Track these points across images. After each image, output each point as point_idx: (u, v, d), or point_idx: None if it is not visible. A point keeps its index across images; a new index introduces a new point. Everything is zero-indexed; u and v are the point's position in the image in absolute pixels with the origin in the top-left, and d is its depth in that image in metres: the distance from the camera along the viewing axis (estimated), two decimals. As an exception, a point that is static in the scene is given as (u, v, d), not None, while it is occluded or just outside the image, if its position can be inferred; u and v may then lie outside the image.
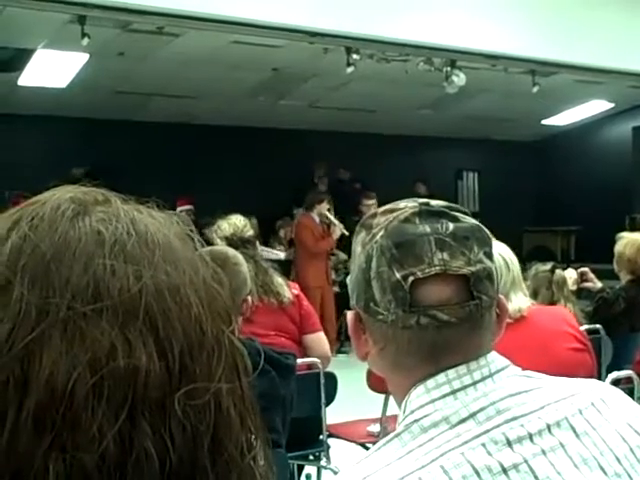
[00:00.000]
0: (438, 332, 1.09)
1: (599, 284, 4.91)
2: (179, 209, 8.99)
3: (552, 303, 4.03)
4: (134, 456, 0.52)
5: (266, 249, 8.29)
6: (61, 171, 8.53)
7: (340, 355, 8.47)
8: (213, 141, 11.35)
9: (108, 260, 0.55)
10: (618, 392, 1.20)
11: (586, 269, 4.95)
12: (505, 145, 13.86)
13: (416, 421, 1.08)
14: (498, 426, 1.05)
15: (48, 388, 0.51)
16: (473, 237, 1.13)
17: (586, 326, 4.03)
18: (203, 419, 0.55)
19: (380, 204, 1.31)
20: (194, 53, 8.58)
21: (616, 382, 3.34)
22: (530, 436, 1.05)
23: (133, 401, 0.52)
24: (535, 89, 9.62)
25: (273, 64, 9.47)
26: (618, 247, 4.88)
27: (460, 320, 1.09)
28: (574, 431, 1.08)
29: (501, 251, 2.86)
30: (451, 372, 1.10)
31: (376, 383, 3.38)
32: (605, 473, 1.06)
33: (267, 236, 9.96)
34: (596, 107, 12.73)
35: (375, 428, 4.20)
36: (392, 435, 1.09)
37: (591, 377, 1.29)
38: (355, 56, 8.23)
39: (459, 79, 8.79)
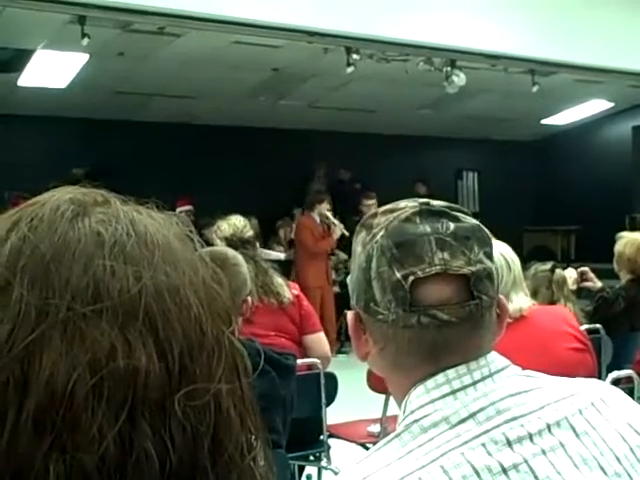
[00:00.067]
0: (438, 332, 1.09)
1: (599, 284, 4.91)
2: (179, 210, 9.00)
3: (552, 303, 4.03)
4: (134, 457, 0.52)
5: (266, 251, 8.29)
6: (61, 172, 8.53)
7: (340, 355, 8.47)
8: (213, 141, 11.35)
9: (108, 261, 0.55)
10: (618, 392, 1.20)
11: (586, 269, 4.95)
12: (505, 145, 13.87)
13: (416, 421, 1.08)
14: (498, 426, 1.05)
15: (48, 389, 0.51)
16: (474, 237, 1.13)
17: (586, 326, 4.03)
18: (203, 420, 0.55)
19: (380, 204, 1.31)
20: (194, 53, 8.58)
21: (616, 382, 3.34)
22: (530, 436, 1.05)
23: (133, 402, 0.52)
24: (535, 89, 9.62)
25: (273, 64, 9.47)
26: (618, 247, 4.88)
27: (460, 320, 1.09)
28: (574, 431, 1.08)
29: (502, 251, 2.85)
30: (451, 372, 1.10)
31: (376, 383, 3.38)
32: (605, 473, 1.06)
33: (267, 237, 9.95)
34: (596, 107, 12.73)
35: (375, 428, 4.20)
36: (392, 435, 1.09)
37: (591, 377, 1.29)
38: (355, 56, 8.23)
39: (459, 79, 8.80)
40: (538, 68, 9.43)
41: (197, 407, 0.54)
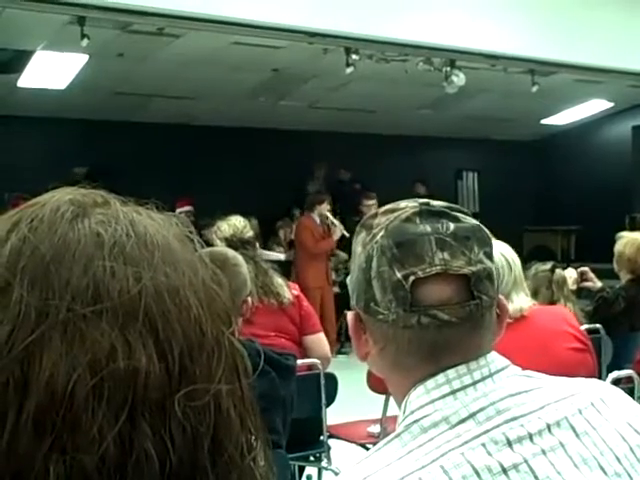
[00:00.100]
0: (439, 332, 1.09)
1: (599, 283, 4.92)
2: (179, 210, 8.99)
3: (552, 303, 4.03)
4: (134, 457, 0.52)
5: (265, 252, 8.29)
6: (61, 172, 8.54)
7: (340, 356, 8.47)
8: (213, 142, 11.35)
9: (107, 262, 0.55)
10: (618, 391, 1.20)
11: (586, 268, 4.95)
12: (505, 145, 13.87)
13: (416, 421, 1.08)
14: (498, 426, 1.05)
15: (48, 390, 0.51)
16: (474, 237, 1.13)
17: (586, 326, 4.03)
18: (203, 420, 0.55)
19: (380, 204, 1.31)
20: (194, 54, 8.58)
21: (616, 382, 3.34)
22: (530, 436, 1.05)
23: (133, 402, 0.52)
24: (534, 89, 9.63)
25: (273, 65, 9.47)
26: (618, 246, 4.88)
27: (461, 320, 1.09)
28: (574, 431, 1.08)
29: (503, 251, 2.85)
30: (451, 372, 1.10)
31: (376, 384, 3.38)
32: (605, 473, 1.06)
33: (267, 237, 9.95)
34: (596, 106, 12.73)
35: (375, 429, 4.20)
36: (392, 435, 1.09)
37: (592, 377, 1.29)
38: (354, 56, 8.23)
39: (459, 79, 8.80)
40: (538, 68, 9.43)
41: (197, 407, 0.55)
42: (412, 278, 1.09)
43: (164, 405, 0.53)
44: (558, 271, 4.29)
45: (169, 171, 10.72)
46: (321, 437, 3.93)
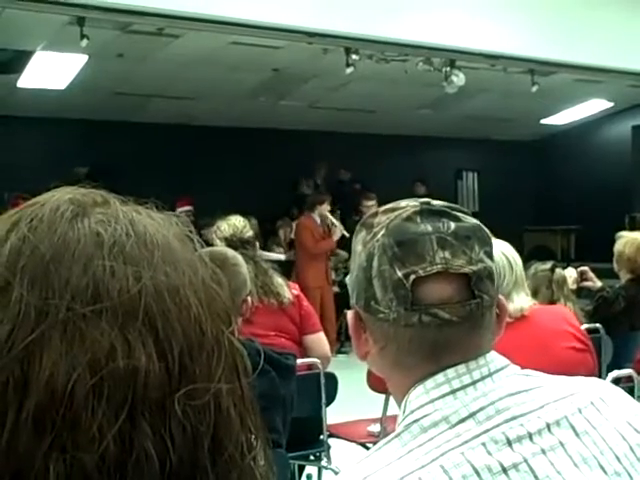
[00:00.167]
0: (439, 331, 1.09)
1: (599, 283, 4.92)
2: (178, 210, 8.98)
3: (552, 302, 4.03)
4: (134, 456, 0.52)
5: (265, 253, 8.28)
6: (60, 172, 8.52)
7: (340, 355, 8.47)
8: (212, 142, 11.35)
9: (107, 261, 0.55)
10: (617, 390, 1.20)
11: (586, 268, 4.95)
12: (504, 145, 13.87)
13: (416, 421, 1.08)
14: (498, 425, 1.05)
15: (48, 389, 0.51)
16: (474, 236, 1.13)
17: (586, 325, 4.03)
18: (203, 419, 0.55)
19: (380, 204, 1.31)
20: (193, 54, 8.58)
21: (616, 381, 3.33)
22: (530, 435, 1.05)
23: (133, 401, 0.52)
24: (534, 89, 9.63)
25: (273, 65, 9.47)
26: (618, 246, 4.88)
27: (461, 319, 1.09)
28: (574, 430, 1.08)
29: (504, 250, 2.84)
30: (450, 371, 1.10)
31: (376, 383, 3.38)
32: (605, 472, 1.06)
33: (267, 237, 9.95)
34: (595, 106, 12.73)
35: (375, 428, 4.20)
36: (392, 435, 1.09)
37: (592, 376, 1.29)
38: (354, 56, 8.23)
39: (458, 79, 8.80)
40: (538, 68, 9.43)
41: (197, 407, 0.55)
42: (413, 277, 1.09)
43: (164, 404, 0.53)
44: (558, 271, 4.29)
45: (169, 171, 10.72)
46: (321, 436, 3.93)
